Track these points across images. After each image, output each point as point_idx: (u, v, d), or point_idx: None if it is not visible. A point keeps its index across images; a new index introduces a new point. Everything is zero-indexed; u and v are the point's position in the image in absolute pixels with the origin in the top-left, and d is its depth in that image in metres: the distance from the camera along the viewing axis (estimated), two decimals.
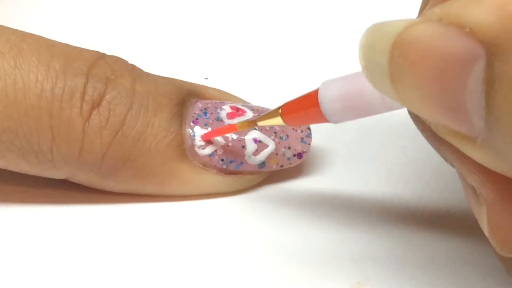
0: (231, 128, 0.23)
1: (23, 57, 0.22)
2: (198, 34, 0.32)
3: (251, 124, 0.23)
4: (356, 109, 0.20)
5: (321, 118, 0.20)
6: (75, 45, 0.23)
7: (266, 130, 0.24)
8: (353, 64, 0.29)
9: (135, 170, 0.23)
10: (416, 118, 0.19)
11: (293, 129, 0.24)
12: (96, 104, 0.22)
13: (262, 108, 0.25)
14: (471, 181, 0.17)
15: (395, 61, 0.15)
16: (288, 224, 0.23)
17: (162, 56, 0.30)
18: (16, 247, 0.22)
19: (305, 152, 0.24)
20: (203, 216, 0.24)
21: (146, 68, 0.24)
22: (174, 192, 0.24)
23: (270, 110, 0.22)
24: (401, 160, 0.26)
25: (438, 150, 0.19)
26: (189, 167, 0.23)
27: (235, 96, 0.26)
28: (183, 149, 0.23)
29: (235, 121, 0.24)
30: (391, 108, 0.19)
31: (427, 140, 0.19)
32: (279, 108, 0.22)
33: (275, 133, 0.24)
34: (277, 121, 0.22)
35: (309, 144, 0.24)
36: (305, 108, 0.21)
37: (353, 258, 0.22)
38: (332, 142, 0.27)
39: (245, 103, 0.25)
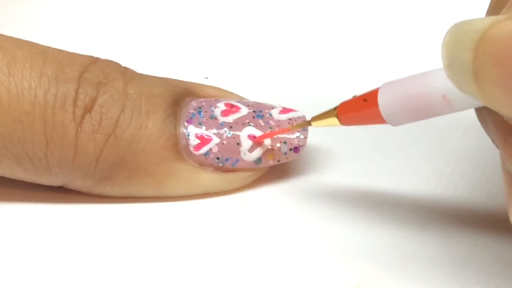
0: (284, 130, 0.24)
1: (17, 64, 0.22)
2: (198, 34, 0.32)
3: (306, 124, 0.23)
4: (417, 111, 0.20)
5: (380, 119, 0.20)
6: (72, 45, 0.24)
7: (261, 125, 0.24)
8: (353, 64, 0.30)
9: (130, 172, 0.23)
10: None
11: (288, 123, 0.24)
12: (88, 109, 0.22)
13: (258, 103, 0.25)
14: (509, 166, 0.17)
15: (479, 58, 0.15)
16: (287, 222, 0.23)
17: (162, 56, 0.31)
18: (16, 248, 0.22)
19: (302, 145, 0.24)
20: (201, 214, 0.24)
21: (145, 68, 0.25)
22: (171, 193, 0.24)
23: (325, 111, 0.22)
24: (402, 159, 0.26)
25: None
26: (185, 166, 0.23)
27: (231, 93, 0.26)
28: (178, 149, 0.23)
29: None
30: (454, 111, 0.19)
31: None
32: (335, 108, 0.22)
33: (271, 128, 0.24)
34: (332, 121, 0.22)
35: (305, 137, 0.24)
36: (364, 109, 0.21)
37: (353, 258, 0.22)
38: (332, 140, 0.26)
39: (240, 100, 0.25)
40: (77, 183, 0.23)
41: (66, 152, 0.22)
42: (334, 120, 0.22)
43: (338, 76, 0.30)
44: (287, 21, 0.33)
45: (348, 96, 0.22)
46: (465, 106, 0.19)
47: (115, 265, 0.22)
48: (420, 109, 0.19)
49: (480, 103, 0.17)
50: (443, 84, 0.19)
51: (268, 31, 0.32)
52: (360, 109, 0.21)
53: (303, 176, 0.25)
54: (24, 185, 0.24)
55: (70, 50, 0.24)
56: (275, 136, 0.24)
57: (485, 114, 0.20)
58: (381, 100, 0.20)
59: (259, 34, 0.32)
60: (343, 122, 0.22)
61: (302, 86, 0.29)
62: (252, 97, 0.26)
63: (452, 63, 0.16)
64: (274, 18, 0.33)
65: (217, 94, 0.25)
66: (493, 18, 0.15)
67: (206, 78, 0.29)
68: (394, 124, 0.20)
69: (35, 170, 0.22)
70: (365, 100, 0.21)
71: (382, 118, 0.20)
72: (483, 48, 0.15)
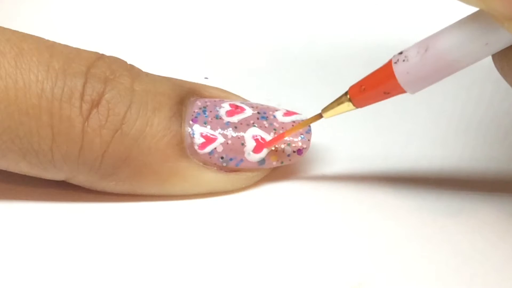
0: (294, 128, 0.24)
1: (24, 57, 0.22)
2: (198, 34, 0.32)
3: (316, 118, 0.23)
4: (437, 72, 0.20)
5: (399, 89, 0.21)
6: (75, 45, 0.24)
7: (266, 127, 0.24)
8: (353, 65, 0.30)
9: (135, 169, 0.23)
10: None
11: (292, 125, 0.24)
12: (95, 104, 0.22)
13: (262, 105, 0.25)
14: None
15: None
16: (289, 222, 0.23)
17: (162, 56, 0.31)
18: (16, 247, 0.22)
19: (305, 148, 0.24)
20: (204, 214, 0.24)
21: (146, 68, 0.25)
22: (175, 191, 0.24)
23: (334, 99, 0.23)
24: (402, 158, 0.26)
25: None
26: (189, 165, 0.23)
27: (235, 94, 0.26)
28: (183, 148, 0.23)
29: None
30: (474, 60, 0.20)
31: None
32: (345, 93, 0.22)
33: (275, 130, 0.24)
34: (345, 107, 0.22)
35: (308, 140, 0.24)
36: (380, 84, 0.21)
37: (354, 258, 0.22)
38: (333, 140, 0.27)
39: (244, 101, 0.25)
40: (80, 178, 0.23)
41: (72, 146, 0.22)
42: (347, 105, 0.22)
43: (339, 77, 0.30)
44: (287, 22, 0.33)
45: None
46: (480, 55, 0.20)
47: (116, 264, 0.22)
48: (440, 70, 0.20)
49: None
50: (458, 38, 0.20)
51: (268, 31, 0.32)
52: (376, 86, 0.22)
53: (304, 176, 0.25)
54: (26, 181, 0.24)
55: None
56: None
57: (503, 59, 0.20)
58: (398, 70, 0.21)
59: (259, 35, 0.32)
60: (358, 104, 0.22)
61: (302, 88, 0.30)
62: (251, 98, 0.26)
63: None
64: (273, 19, 0.33)
65: (221, 95, 0.25)
66: None
67: (206, 78, 0.29)
68: (413, 92, 0.21)
69: (39, 164, 0.22)
70: (380, 75, 0.21)
71: (400, 88, 0.21)
72: None
